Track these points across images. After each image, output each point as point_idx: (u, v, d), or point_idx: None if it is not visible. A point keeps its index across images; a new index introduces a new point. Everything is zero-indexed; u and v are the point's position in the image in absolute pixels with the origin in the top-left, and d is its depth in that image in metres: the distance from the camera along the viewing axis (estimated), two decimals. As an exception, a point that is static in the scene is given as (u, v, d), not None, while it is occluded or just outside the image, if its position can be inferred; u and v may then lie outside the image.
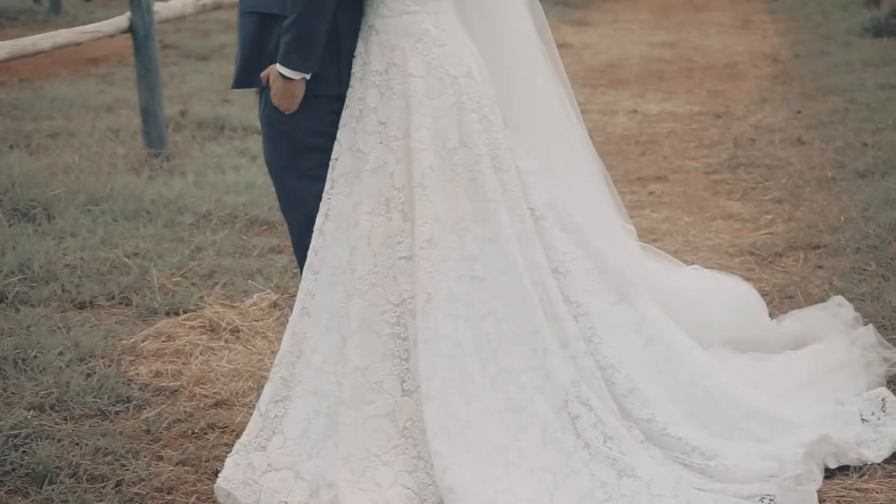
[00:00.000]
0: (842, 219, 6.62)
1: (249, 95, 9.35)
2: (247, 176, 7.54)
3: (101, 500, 3.93)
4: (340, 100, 4.12)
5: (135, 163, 8.06)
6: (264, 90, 4.14)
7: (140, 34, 7.99)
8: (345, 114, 4.11)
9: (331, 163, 4.10)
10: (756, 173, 7.92)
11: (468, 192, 4.03)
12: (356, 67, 4.11)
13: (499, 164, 4.06)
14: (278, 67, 3.99)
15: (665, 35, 14.80)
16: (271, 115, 4.13)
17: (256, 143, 7.79)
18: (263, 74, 4.09)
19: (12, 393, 4.69)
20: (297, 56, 3.96)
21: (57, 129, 9.34)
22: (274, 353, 4.52)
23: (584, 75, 12.00)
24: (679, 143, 8.99)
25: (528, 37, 4.37)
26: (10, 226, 6.52)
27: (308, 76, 4.02)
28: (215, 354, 5.07)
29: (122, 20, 7.99)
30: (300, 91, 4.03)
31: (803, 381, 4.44)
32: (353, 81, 4.11)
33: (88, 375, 4.81)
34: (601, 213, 4.48)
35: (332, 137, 4.11)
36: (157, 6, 8.27)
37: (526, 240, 4.06)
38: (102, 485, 4.03)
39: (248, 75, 4.18)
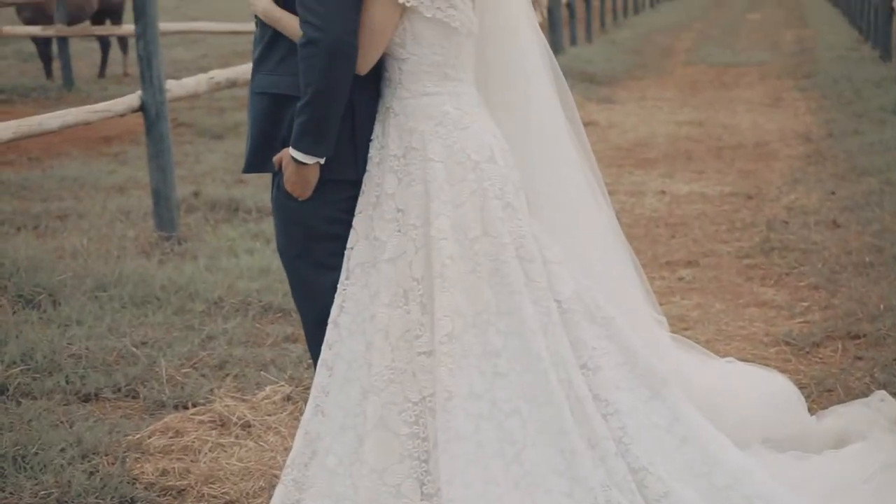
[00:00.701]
0: (881, 306, 6.49)
1: (265, 176, 9.22)
2: (261, 260, 7.44)
3: None
4: (356, 185, 4.04)
5: (145, 246, 7.98)
6: (277, 175, 4.06)
7: (151, 113, 7.93)
8: (361, 200, 4.03)
9: (346, 252, 4.02)
10: (790, 258, 7.79)
11: (491, 284, 3.93)
12: (373, 151, 4.04)
13: (523, 253, 3.96)
14: (291, 151, 3.91)
15: (693, 113, 14.73)
16: (284, 201, 4.05)
17: (271, 226, 7.67)
18: (276, 159, 4.01)
19: (10, 493, 4.56)
20: (310, 139, 3.87)
21: (66, 210, 9.28)
22: (287, 449, 4.40)
23: (610, 155, 11.91)
24: (710, 226, 8.87)
25: (554, 117, 4.29)
26: (13, 313, 6.43)
27: (322, 160, 3.93)
28: (225, 451, 4.93)
29: (133, 99, 7.94)
30: (314, 176, 3.95)
31: (846, 484, 4.28)
32: (370, 166, 4.03)
33: (91, 474, 4.67)
34: (631, 303, 4.37)
35: (348, 225, 4.03)
36: (169, 84, 8.22)
37: (552, 333, 3.95)
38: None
39: (259, 159, 4.10)
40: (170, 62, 20.83)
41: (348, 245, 4.02)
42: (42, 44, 18.34)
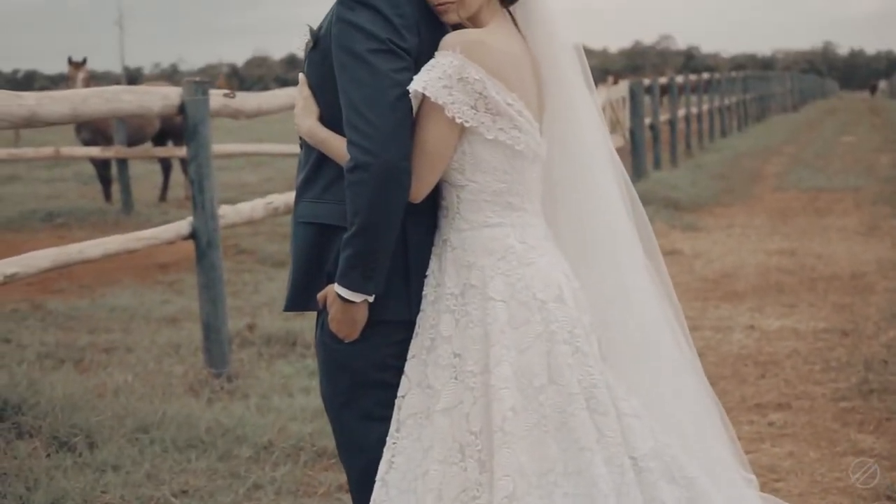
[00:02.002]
0: None
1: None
2: (316, 400, 7.15)
3: None
4: (409, 327, 3.78)
5: (193, 383, 7.75)
6: (321, 314, 3.81)
7: (203, 241, 7.75)
8: (414, 343, 3.77)
9: (396, 401, 3.75)
10: (891, 401, 7.45)
11: (557, 439, 3.64)
12: (428, 289, 3.78)
13: (595, 405, 3.68)
14: (336, 288, 3.66)
15: (784, 242, 14.44)
16: (329, 344, 3.80)
17: (328, 363, 7.46)
18: (320, 296, 3.76)
19: None
20: (358, 275, 3.62)
21: (113, 343, 9.12)
22: None
23: (695, 287, 11.64)
24: (802, 365, 8.54)
25: (631, 251, 4.02)
26: (46, 456, 6.19)
27: (371, 299, 3.68)
28: None
29: (183, 226, 7.77)
30: (362, 316, 3.70)
31: None
32: (424, 305, 3.77)
33: None
34: (715, 460, 4.06)
35: (399, 371, 3.77)
36: (223, 210, 8.06)
37: (626, 495, 3.65)
38: None
39: (302, 296, 3.85)
40: (234, 185, 20.97)
41: (399, 393, 3.75)
42: (101, 166, 18.46)
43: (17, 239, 15.45)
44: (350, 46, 3.62)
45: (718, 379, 8.03)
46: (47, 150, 16.94)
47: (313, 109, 3.83)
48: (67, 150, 17.09)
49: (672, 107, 27.00)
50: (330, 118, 3.77)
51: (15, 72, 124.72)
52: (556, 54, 3.89)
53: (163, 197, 19.22)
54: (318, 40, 3.80)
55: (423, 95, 3.61)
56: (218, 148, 15.53)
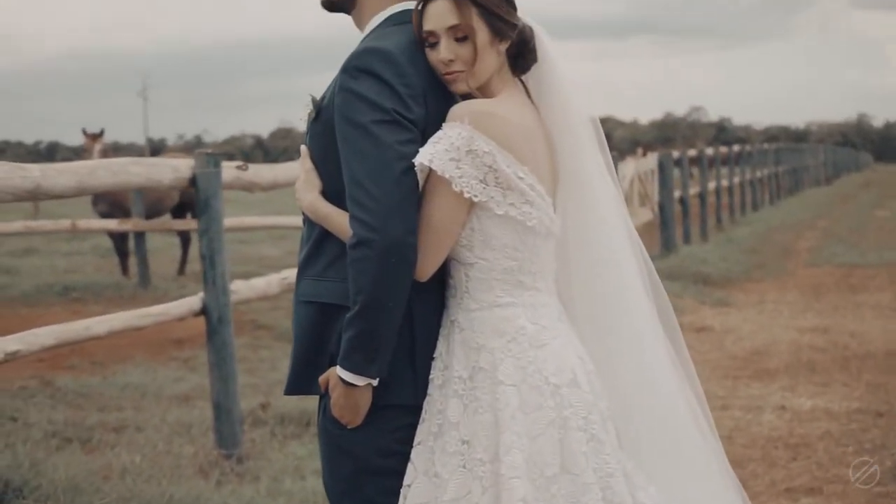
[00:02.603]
0: None
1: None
2: (329, 484, 7.02)
3: None
4: (415, 411, 3.64)
5: (203, 464, 7.61)
6: (323, 397, 3.68)
7: (214, 318, 7.64)
8: (420, 429, 3.62)
9: (402, 490, 3.60)
10: (928, 486, 7.26)
11: (571, 533, 3.48)
12: (435, 372, 3.64)
13: (611, 495, 3.53)
14: (339, 371, 3.53)
15: (817, 319, 14.27)
16: (330, 429, 3.66)
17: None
18: (322, 379, 3.63)
19: None
20: (361, 357, 3.49)
21: (123, 422, 8.99)
22: None
23: (725, 365, 11.48)
24: (835, 447, 8.36)
25: (650, 330, 3.89)
26: (44, 543, 6.07)
27: (375, 382, 3.55)
28: None
29: (194, 301, 7.66)
30: (365, 400, 3.56)
31: None
32: (431, 389, 3.63)
33: None
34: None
35: (404, 458, 3.62)
36: (236, 285, 7.96)
37: (644, 592, 3.50)
38: None
39: (303, 379, 3.72)
40: (254, 259, 20.93)
41: (405, 482, 3.60)
42: (118, 239, 18.42)
43: (32, 313, 15.39)
44: (353, 117, 3.51)
45: (748, 461, 7.87)
46: (64, 223, 16.90)
47: (315, 183, 3.72)
48: (84, 223, 17.03)
49: (702, 179, 26.90)
50: (333, 192, 3.66)
51: (37, 143, 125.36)
52: (571, 125, 3.78)
53: (181, 271, 19.13)
54: (321, 111, 3.70)
55: (430, 169, 3.50)
56: (233, 221, 15.56)
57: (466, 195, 3.52)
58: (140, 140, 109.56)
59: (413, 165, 3.48)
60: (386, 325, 3.48)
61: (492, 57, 3.66)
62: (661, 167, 21.89)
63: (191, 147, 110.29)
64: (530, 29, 3.76)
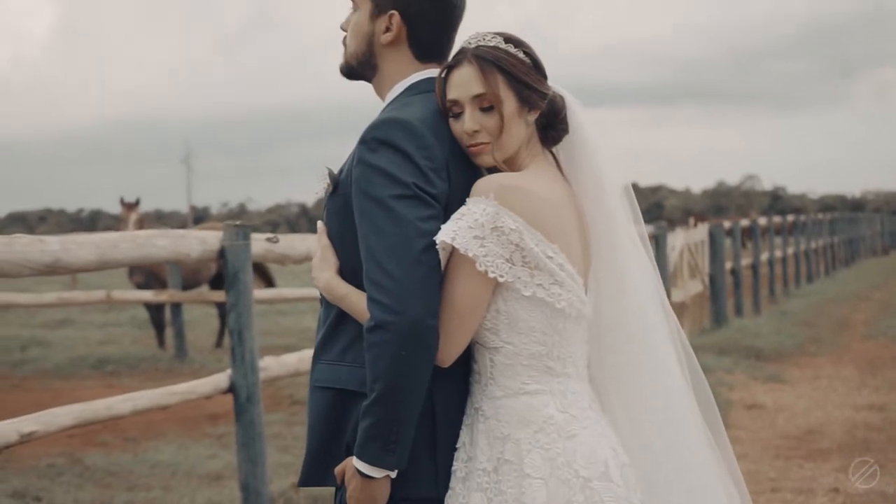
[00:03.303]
0: None
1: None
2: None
3: None
4: (436, 505, 3.47)
5: (230, 547, 7.45)
6: (339, 490, 3.52)
7: (242, 396, 7.48)
8: (441, 524, 3.45)
9: (422, 587, 3.43)
10: None
11: None
12: (457, 464, 3.48)
13: None
14: (355, 462, 3.37)
15: (873, 396, 13.98)
16: (347, 523, 3.49)
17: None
18: (338, 470, 3.48)
19: None
20: (378, 448, 3.33)
21: (151, 502, 8.86)
22: None
23: (776, 444, 11.23)
24: (892, 533, 8.12)
25: (687, 417, 3.71)
26: None
27: (393, 474, 3.38)
28: None
29: (221, 379, 7.51)
30: (383, 493, 3.39)
31: None
32: (454, 482, 3.47)
33: None
34: None
35: (426, 554, 3.44)
36: (265, 362, 7.81)
37: None
38: None
39: (318, 470, 3.57)
40: (295, 331, 20.82)
41: (425, 579, 3.44)
42: (155, 310, 18.36)
43: (65, 387, 15.34)
44: (371, 192, 3.37)
45: (798, 549, 7.64)
46: (98, 295, 16.84)
47: (332, 261, 3.58)
48: (119, 295, 16.96)
49: (755, 250, 26.66)
50: (350, 271, 3.52)
51: (79, 211, 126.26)
52: (604, 200, 3.62)
53: (219, 343, 19.03)
54: (338, 184, 3.57)
55: (452, 247, 3.34)
56: (272, 292, 15.44)
57: (491, 275, 3.36)
58: (183, 208, 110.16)
59: (434, 243, 3.33)
60: (405, 414, 3.32)
61: (519, 128, 3.51)
62: (712, 238, 21.69)
63: (234, 215, 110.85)
64: (561, 98, 3.62)
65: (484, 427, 3.46)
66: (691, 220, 38.89)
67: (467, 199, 3.41)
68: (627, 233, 3.67)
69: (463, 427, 3.52)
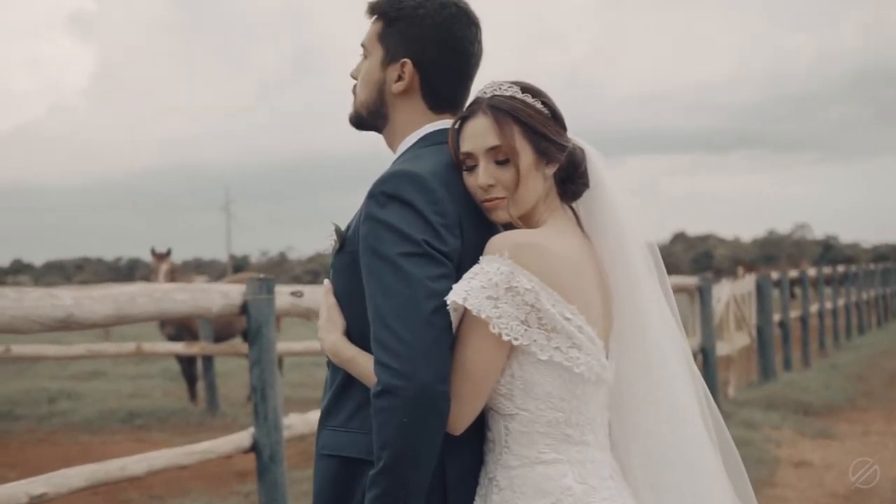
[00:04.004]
0: None
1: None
2: None
3: None
4: (448, 583, 3.34)
5: None
6: (347, 562, 3.39)
7: (265, 455, 7.37)
8: None
9: None
10: None
11: None
12: (471, 537, 3.35)
13: None
14: (362, 534, 3.24)
15: (925, 453, 13.78)
16: None
17: None
18: (345, 541, 3.35)
19: None
20: (386, 519, 3.20)
21: (171, 563, 8.74)
22: None
23: (824, 503, 11.02)
24: None
25: (716, 488, 3.57)
26: None
27: (402, 548, 3.25)
28: None
29: (243, 437, 7.40)
30: (392, 566, 3.26)
31: None
32: (467, 557, 3.34)
33: None
34: None
35: None
36: (289, 420, 7.70)
37: None
38: None
39: (325, 541, 3.44)
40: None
41: None
42: (186, 363, 18.31)
43: (94, 441, 15.28)
44: (379, 249, 3.25)
45: None
46: (129, 347, 16.79)
47: (338, 322, 3.46)
48: (150, 347, 16.90)
49: (804, 302, 26.42)
50: (358, 332, 3.40)
51: (117, 259, 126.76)
52: (627, 257, 3.49)
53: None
54: (345, 241, 3.45)
55: (465, 308, 3.22)
56: (305, 344, 15.38)
57: (505, 338, 3.23)
58: (223, 257, 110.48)
59: (445, 304, 3.20)
60: (414, 484, 3.19)
61: (537, 182, 3.39)
62: (759, 289, 21.48)
63: (275, 264, 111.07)
64: (581, 150, 3.50)
65: (498, 498, 3.33)
66: (740, 271, 38.60)
67: (480, 258, 3.28)
68: (651, 290, 3.54)
69: (476, 498, 3.39)
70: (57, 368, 24.48)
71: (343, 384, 3.45)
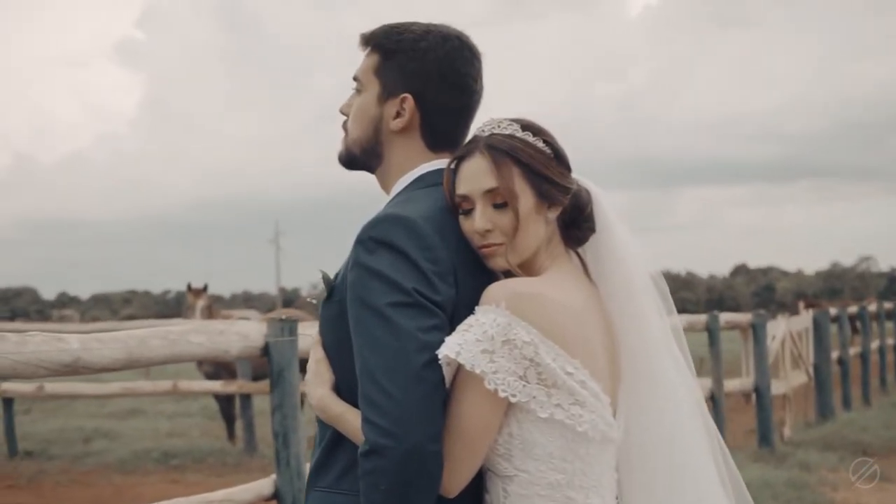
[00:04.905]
0: None
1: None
2: None
3: None
4: None
5: None
6: None
7: (286, 503, 7.22)
8: None
9: None
10: None
11: None
12: None
13: None
14: None
15: None
16: None
17: None
18: None
19: None
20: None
21: None
22: None
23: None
24: None
25: None
26: None
27: None
28: None
29: (265, 485, 7.24)
30: None
31: None
32: None
33: None
34: None
35: None
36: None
37: None
38: None
39: None
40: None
41: None
42: (224, 401, 18.20)
43: (126, 482, 15.18)
44: (367, 298, 3.09)
45: None
46: (165, 385, 16.73)
47: (326, 377, 3.31)
48: (186, 385, 16.83)
49: (864, 338, 26.07)
50: (347, 387, 3.25)
51: (165, 292, 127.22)
52: (636, 304, 3.33)
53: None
54: (333, 290, 3.30)
55: (458, 362, 3.06)
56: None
57: (502, 395, 3.06)
58: (272, 289, 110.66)
59: (437, 358, 3.04)
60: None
61: (537, 227, 3.24)
62: (817, 325, 21.18)
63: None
64: (587, 192, 3.34)
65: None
66: (800, 305, 38.23)
67: (476, 308, 3.12)
68: (661, 335, 3.37)
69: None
70: (95, 406, 24.44)
71: (333, 441, 3.30)
